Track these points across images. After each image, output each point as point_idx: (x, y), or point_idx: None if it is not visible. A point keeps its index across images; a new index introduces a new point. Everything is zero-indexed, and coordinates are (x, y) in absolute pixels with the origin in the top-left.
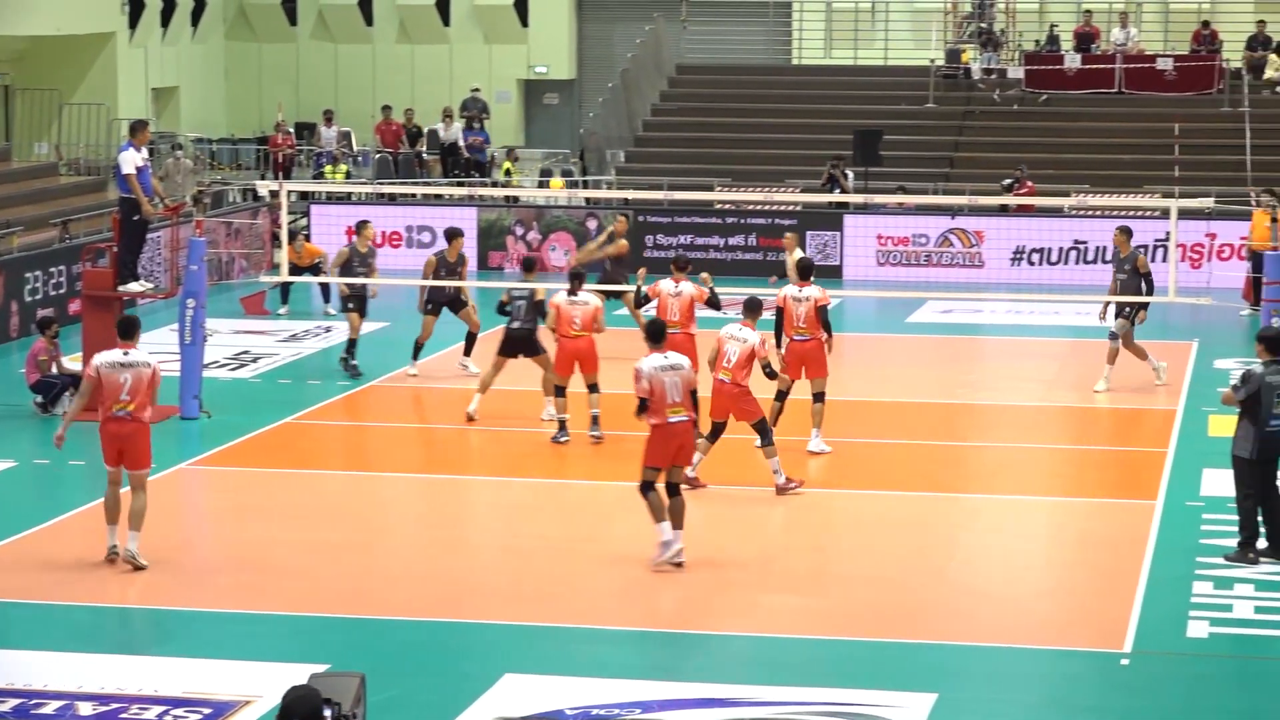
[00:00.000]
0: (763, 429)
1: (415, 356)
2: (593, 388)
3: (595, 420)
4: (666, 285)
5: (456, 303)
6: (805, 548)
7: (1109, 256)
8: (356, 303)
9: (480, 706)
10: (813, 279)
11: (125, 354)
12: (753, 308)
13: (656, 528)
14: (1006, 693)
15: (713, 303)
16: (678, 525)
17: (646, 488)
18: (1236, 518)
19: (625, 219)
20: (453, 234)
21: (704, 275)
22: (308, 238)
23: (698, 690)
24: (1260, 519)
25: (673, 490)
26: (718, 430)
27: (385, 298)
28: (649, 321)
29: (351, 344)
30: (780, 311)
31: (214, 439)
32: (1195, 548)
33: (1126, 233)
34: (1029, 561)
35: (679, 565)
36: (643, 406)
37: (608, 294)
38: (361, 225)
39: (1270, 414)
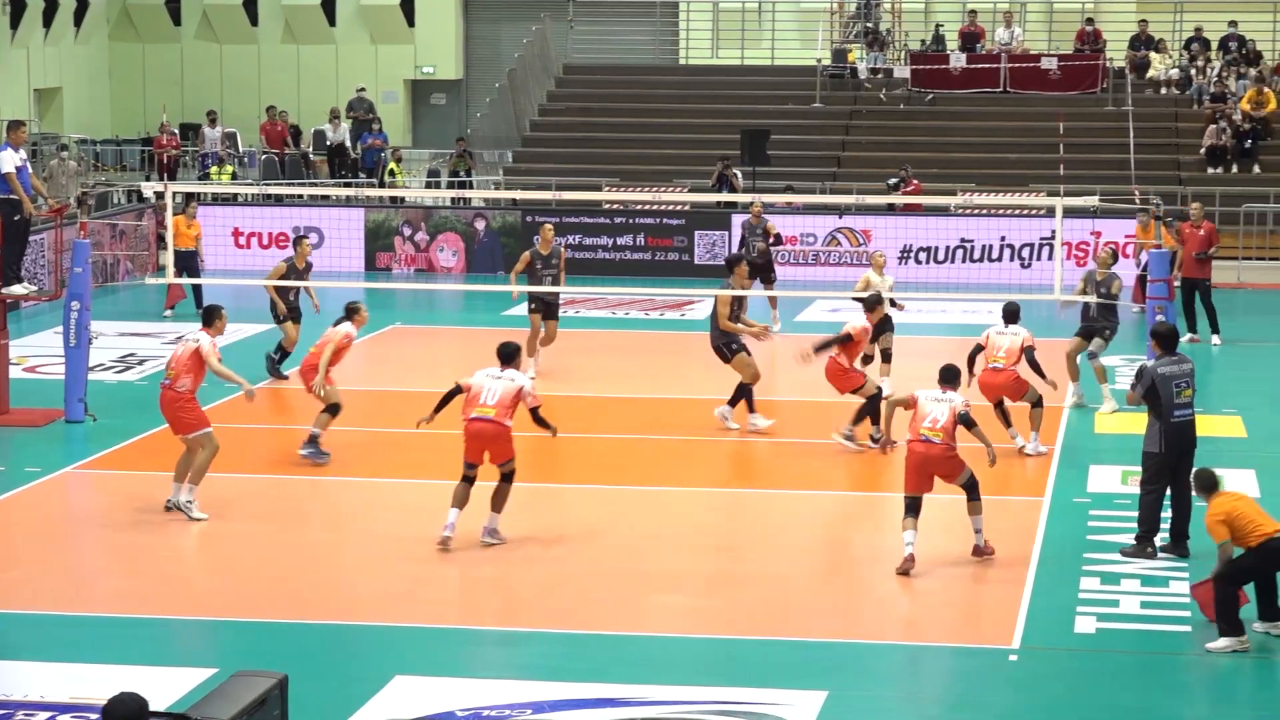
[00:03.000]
0: (972, 485)
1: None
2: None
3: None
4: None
5: None
6: (694, 547)
7: (994, 255)
8: (294, 314)
9: (371, 708)
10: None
11: (192, 334)
12: (950, 378)
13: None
14: (896, 689)
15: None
16: (495, 509)
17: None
18: (1121, 513)
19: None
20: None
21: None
22: (192, 215)
23: (589, 690)
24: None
25: (502, 478)
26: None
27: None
28: (501, 344)
29: (284, 352)
30: (979, 346)
31: (100, 442)
32: (1082, 544)
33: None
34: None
35: (490, 544)
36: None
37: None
38: (298, 240)
39: (1172, 405)
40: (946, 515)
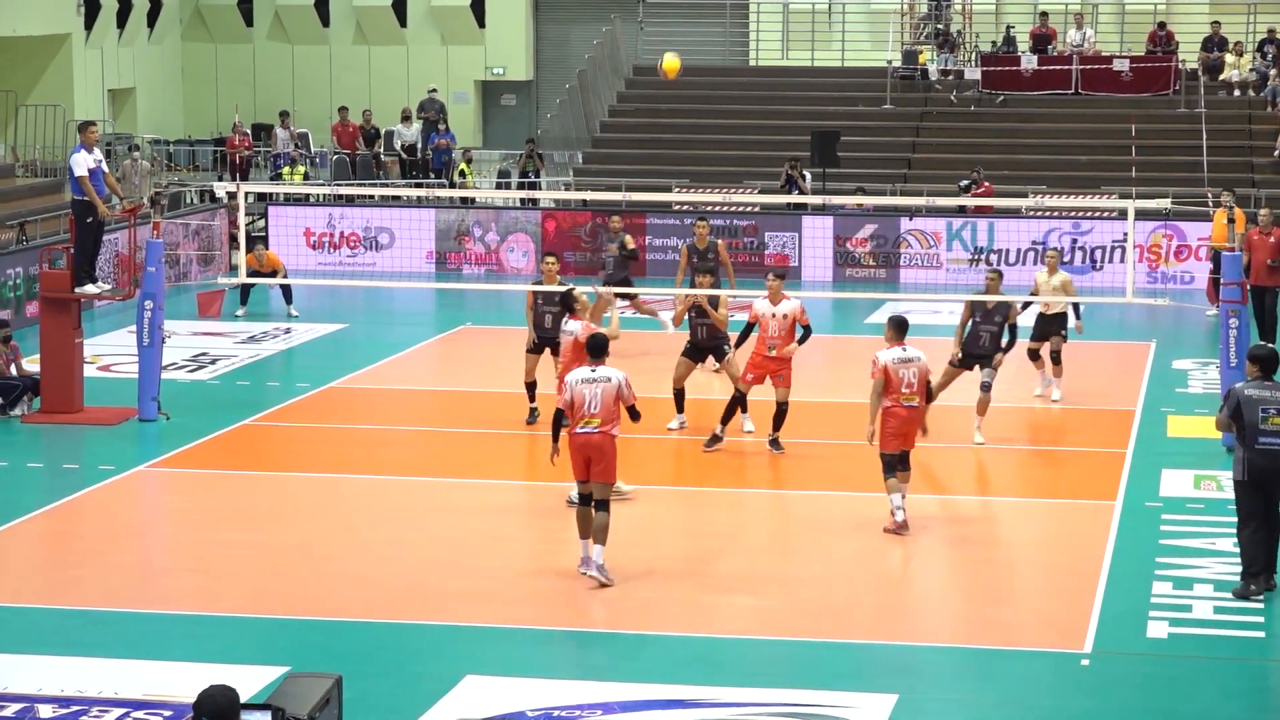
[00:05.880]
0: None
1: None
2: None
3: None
4: (762, 306)
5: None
6: (761, 548)
7: (1066, 257)
8: (543, 345)
9: (442, 708)
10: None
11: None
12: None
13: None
14: (967, 693)
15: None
16: (599, 541)
17: (579, 500)
18: (1193, 517)
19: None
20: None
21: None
22: (266, 244)
23: (659, 691)
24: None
25: (596, 505)
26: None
27: (343, 299)
28: (590, 336)
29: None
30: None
31: (172, 441)
32: (1155, 548)
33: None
34: (989, 562)
35: (603, 585)
36: (560, 418)
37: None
38: (547, 256)
39: (1258, 431)
40: (1015, 518)
